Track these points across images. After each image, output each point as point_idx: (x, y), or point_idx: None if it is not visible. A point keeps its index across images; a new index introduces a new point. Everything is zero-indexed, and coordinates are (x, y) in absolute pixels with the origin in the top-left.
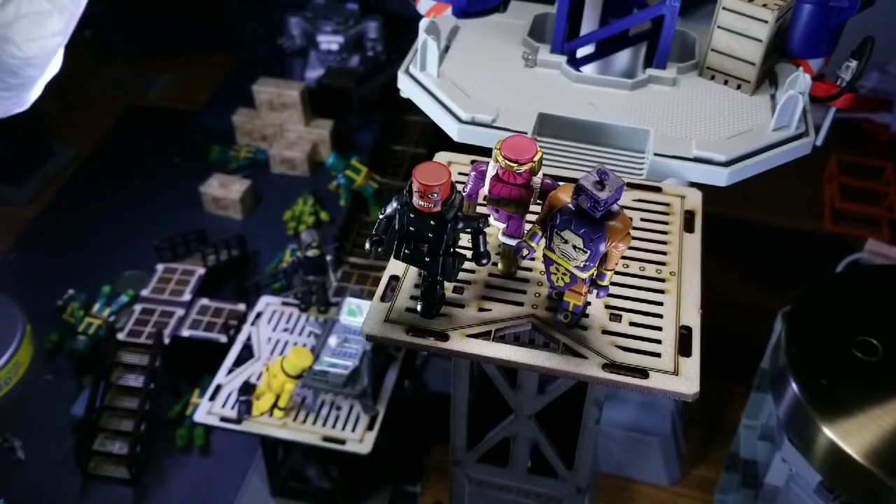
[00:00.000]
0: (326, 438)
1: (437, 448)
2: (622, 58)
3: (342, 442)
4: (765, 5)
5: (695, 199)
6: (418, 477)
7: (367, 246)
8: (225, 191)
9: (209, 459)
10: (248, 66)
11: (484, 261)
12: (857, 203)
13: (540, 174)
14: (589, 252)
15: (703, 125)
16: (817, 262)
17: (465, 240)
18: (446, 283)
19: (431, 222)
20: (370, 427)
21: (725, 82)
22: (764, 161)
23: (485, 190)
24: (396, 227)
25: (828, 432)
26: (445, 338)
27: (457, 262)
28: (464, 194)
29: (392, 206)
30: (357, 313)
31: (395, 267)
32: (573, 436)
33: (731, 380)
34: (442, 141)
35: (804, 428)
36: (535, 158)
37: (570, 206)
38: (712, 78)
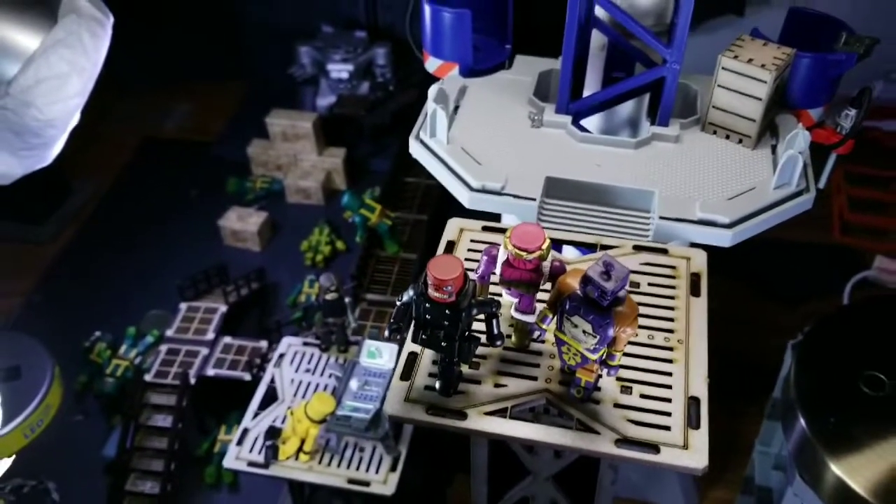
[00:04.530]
0: (351, 481)
1: (459, 479)
2: (625, 108)
3: (367, 484)
4: (763, 65)
5: (700, 261)
6: None
7: (387, 333)
8: (243, 224)
9: (238, 496)
10: (260, 94)
11: (498, 342)
12: (865, 214)
13: (549, 258)
14: (598, 336)
15: (706, 184)
16: (827, 274)
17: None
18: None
19: (447, 311)
20: (393, 468)
21: (727, 137)
22: (766, 220)
23: (497, 271)
24: (413, 314)
25: (835, 469)
26: (464, 416)
27: (472, 345)
28: (476, 277)
29: (408, 295)
30: (377, 355)
31: (412, 345)
32: (589, 490)
33: (744, 399)
34: None
35: (813, 464)
36: (544, 247)
37: (578, 292)
38: (714, 133)
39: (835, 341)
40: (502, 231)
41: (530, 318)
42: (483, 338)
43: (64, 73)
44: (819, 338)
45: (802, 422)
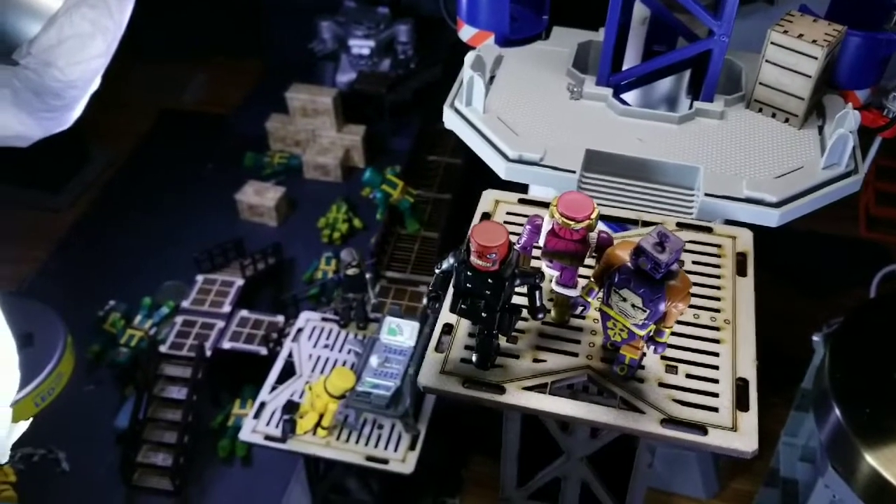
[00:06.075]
0: (370, 458)
1: (475, 460)
2: (664, 83)
3: (385, 462)
4: (814, 41)
5: (746, 241)
6: (457, 489)
7: (425, 301)
8: (260, 198)
9: (251, 470)
10: (279, 69)
11: (540, 315)
12: (893, 208)
13: (596, 230)
14: (648, 311)
15: (752, 162)
16: (852, 267)
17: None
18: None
19: (489, 280)
20: (412, 447)
21: (773, 115)
22: (815, 200)
23: (540, 242)
24: (453, 282)
25: (871, 460)
26: (502, 390)
27: (513, 317)
28: (518, 247)
29: (449, 263)
30: (397, 332)
31: (448, 315)
32: (623, 473)
33: (769, 390)
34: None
35: (847, 455)
36: (592, 216)
37: (628, 264)
38: (760, 110)
39: (869, 332)
40: (539, 204)
41: (572, 293)
42: (524, 310)
43: (87, 33)
44: (854, 328)
45: (837, 412)
